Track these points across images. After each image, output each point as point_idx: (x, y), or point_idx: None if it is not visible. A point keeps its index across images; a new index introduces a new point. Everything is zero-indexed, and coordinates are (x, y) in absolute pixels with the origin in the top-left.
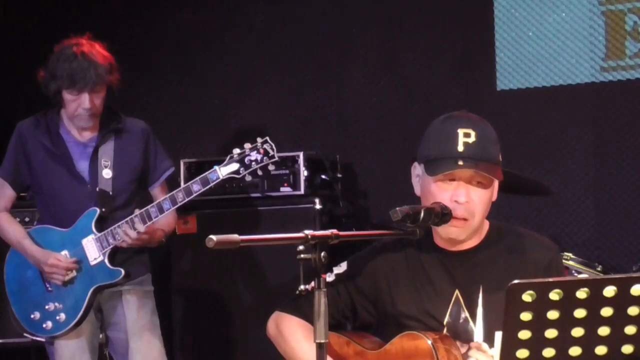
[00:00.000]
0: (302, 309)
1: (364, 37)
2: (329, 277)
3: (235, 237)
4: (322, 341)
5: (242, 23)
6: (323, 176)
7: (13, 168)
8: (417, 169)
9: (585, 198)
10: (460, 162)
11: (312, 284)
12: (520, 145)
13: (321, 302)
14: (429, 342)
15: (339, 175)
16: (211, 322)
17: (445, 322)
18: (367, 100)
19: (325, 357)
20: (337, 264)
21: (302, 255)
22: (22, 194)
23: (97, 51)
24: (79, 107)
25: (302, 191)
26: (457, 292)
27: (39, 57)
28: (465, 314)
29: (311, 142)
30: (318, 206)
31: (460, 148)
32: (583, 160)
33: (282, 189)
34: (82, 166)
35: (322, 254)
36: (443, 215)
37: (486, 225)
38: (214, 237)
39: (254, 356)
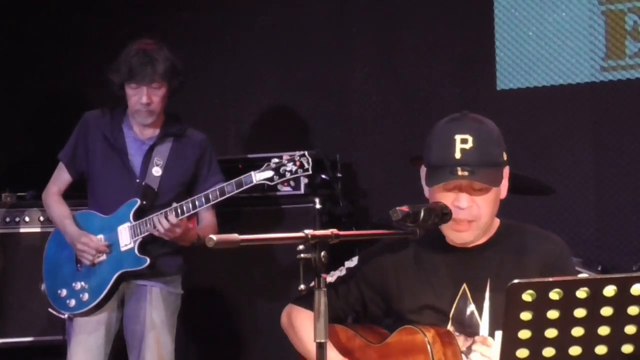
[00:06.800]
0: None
1: (364, 37)
2: (341, 272)
3: (235, 236)
4: (322, 341)
5: (242, 23)
6: (323, 176)
7: (72, 153)
8: (423, 172)
9: (585, 198)
10: (459, 171)
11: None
12: (520, 145)
13: (321, 302)
14: (425, 337)
15: (339, 175)
16: (211, 321)
17: (451, 315)
18: (367, 100)
19: (325, 357)
20: (336, 263)
21: (302, 255)
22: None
23: (161, 51)
24: (137, 102)
25: (302, 190)
26: (464, 285)
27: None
28: (472, 307)
29: (311, 142)
30: (318, 206)
31: (458, 155)
32: (583, 159)
33: (282, 188)
34: (136, 161)
35: (322, 253)
36: (443, 214)
37: (496, 223)
38: (213, 237)
39: (253, 355)
